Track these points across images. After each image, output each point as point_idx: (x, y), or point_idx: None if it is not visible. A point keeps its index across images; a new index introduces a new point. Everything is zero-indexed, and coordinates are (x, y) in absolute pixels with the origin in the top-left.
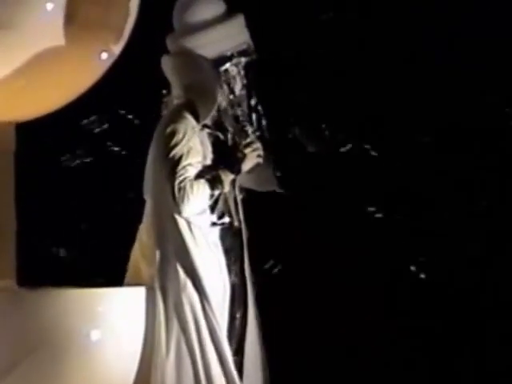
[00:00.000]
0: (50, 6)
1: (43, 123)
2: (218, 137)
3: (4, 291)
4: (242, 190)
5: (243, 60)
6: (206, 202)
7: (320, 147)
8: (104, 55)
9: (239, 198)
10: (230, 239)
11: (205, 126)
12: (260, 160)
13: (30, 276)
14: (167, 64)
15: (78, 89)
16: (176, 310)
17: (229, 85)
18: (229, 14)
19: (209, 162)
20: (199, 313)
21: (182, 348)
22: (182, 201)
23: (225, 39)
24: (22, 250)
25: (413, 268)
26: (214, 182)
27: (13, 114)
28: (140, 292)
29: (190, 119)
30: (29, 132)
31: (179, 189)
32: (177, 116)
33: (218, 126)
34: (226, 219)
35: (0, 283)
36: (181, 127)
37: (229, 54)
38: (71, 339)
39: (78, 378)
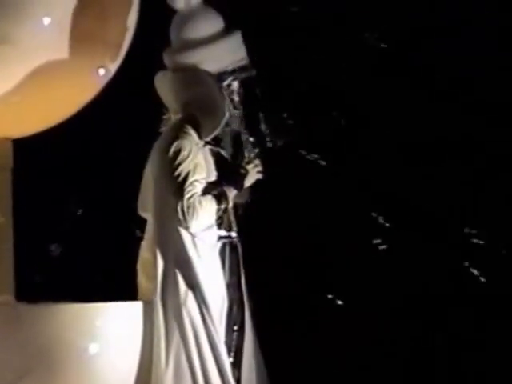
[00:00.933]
0: (47, 21)
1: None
2: (219, 153)
3: (2, 306)
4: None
5: (242, 75)
6: (214, 218)
7: (286, 138)
8: (101, 71)
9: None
10: (229, 254)
11: (206, 142)
12: (260, 176)
13: (28, 291)
14: (164, 80)
15: (75, 105)
16: (176, 322)
17: (231, 100)
18: (227, 30)
19: (212, 178)
20: (199, 326)
21: (182, 360)
22: (192, 217)
23: (226, 54)
24: (20, 265)
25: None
26: (220, 198)
27: (10, 129)
28: (137, 307)
29: (193, 135)
30: (26, 148)
31: (188, 205)
32: (180, 132)
33: (217, 141)
34: (233, 234)
35: None
36: (186, 144)
37: (230, 69)
38: (69, 353)
39: None
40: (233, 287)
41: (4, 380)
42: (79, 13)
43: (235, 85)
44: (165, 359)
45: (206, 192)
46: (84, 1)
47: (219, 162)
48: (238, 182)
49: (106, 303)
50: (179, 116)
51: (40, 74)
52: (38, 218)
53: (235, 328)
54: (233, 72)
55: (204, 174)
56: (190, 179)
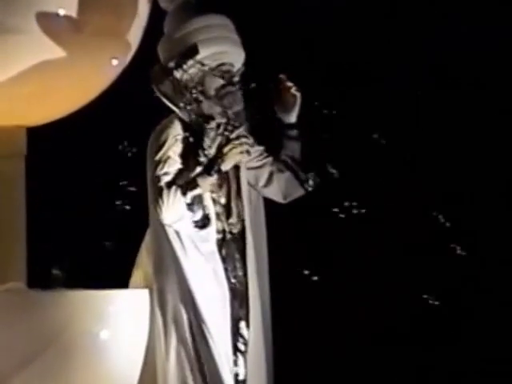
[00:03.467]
0: (61, 12)
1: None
2: (197, 142)
3: (14, 292)
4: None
5: (193, 61)
6: (182, 208)
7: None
8: (114, 62)
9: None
10: (227, 245)
11: (189, 134)
12: (244, 156)
13: (40, 278)
14: None
15: (88, 95)
16: (174, 317)
17: (193, 88)
18: (188, 21)
19: (195, 168)
20: (196, 327)
21: (181, 355)
22: (158, 209)
23: (172, 46)
24: (32, 253)
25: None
26: (187, 187)
27: (23, 118)
28: (144, 294)
29: (174, 128)
30: (40, 136)
31: (154, 198)
32: (163, 125)
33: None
34: (205, 220)
35: (10, 285)
36: (162, 136)
37: (174, 58)
38: (80, 339)
39: (86, 376)
40: (234, 277)
41: (15, 364)
42: (92, 4)
43: (191, 72)
44: (165, 350)
45: (174, 183)
46: None
47: (199, 150)
48: (209, 168)
49: (117, 290)
50: None
51: (52, 64)
52: (51, 205)
53: (242, 321)
54: (179, 61)
55: (178, 166)
56: (158, 172)
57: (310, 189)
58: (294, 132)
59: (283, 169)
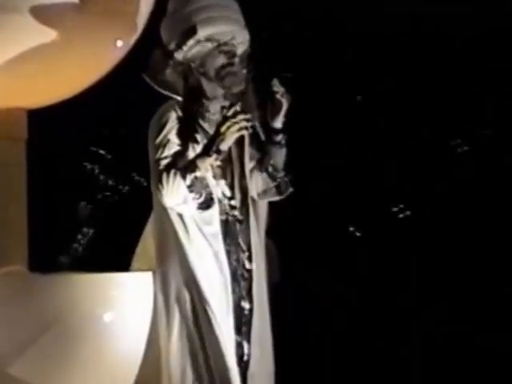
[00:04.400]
0: None
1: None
2: (198, 125)
3: (15, 276)
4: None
5: (193, 41)
6: (183, 191)
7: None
8: (119, 43)
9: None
10: (230, 227)
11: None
12: (242, 132)
13: (43, 262)
14: None
15: (91, 77)
16: (177, 297)
17: (194, 69)
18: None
19: (194, 150)
20: (199, 308)
21: (184, 333)
22: (159, 193)
23: (173, 26)
24: (33, 237)
25: None
26: (186, 170)
27: (24, 100)
28: (148, 277)
29: (174, 111)
30: (41, 119)
31: (155, 182)
32: (163, 109)
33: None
34: (209, 201)
35: (10, 268)
36: (162, 120)
37: (175, 38)
38: (83, 322)
39: (89, 359)
40: (235, 260)
41: (15, 348)
42: None
43: (187, 54)
44: (167, 330)
45: (173, 166)
46: None
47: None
48: (207, 148)
49: (120, 273)
50: None
51: (54, 46)
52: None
53: (246, 306)
54: (179, 43)
55: (177, 149)
56: (158, 156)
57: (283, 196)
58: (279, 137)
59: (262, 169)
